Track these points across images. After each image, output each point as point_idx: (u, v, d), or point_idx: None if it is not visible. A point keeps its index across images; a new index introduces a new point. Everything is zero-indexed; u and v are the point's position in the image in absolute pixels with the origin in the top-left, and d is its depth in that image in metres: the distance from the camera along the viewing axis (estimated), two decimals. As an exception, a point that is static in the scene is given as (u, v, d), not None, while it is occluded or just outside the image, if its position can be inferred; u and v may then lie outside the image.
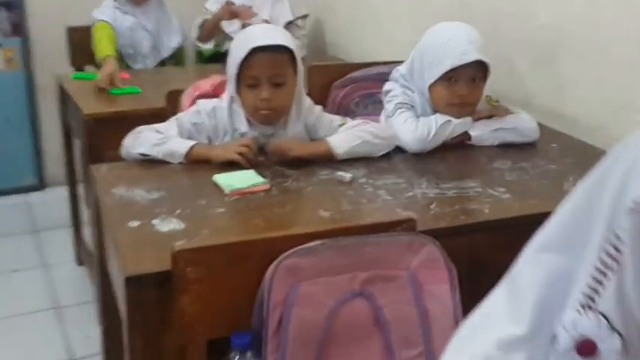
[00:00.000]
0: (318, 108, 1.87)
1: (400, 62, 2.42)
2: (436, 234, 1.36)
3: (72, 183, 2.88)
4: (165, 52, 3.12)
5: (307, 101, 1.85)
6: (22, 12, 3.33)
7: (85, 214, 2.88)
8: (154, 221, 1.37)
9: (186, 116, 1.79)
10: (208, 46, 3.15)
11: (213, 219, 1.41)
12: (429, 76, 1.87)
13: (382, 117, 2.02)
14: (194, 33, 3.12)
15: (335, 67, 2.48)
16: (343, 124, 1.83)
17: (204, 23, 3.07)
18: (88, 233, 2.84)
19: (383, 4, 2.95)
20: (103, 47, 2.79)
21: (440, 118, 1.84)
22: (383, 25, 2.97)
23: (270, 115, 1.74)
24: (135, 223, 1.36)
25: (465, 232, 1.42)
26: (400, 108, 1.92)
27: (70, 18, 3.23)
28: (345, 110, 2.30)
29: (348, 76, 2.40)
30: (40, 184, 3.60)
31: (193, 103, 1.95)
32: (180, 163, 1.67)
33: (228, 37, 3.09)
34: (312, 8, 3.23)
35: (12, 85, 3.40)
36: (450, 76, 1.84)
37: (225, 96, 1.80)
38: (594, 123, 1.95)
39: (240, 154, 1.66)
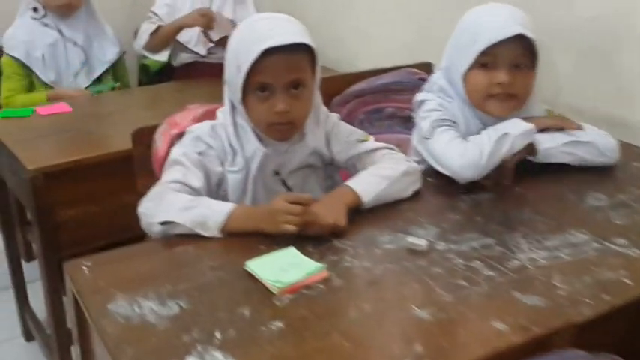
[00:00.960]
0: (335, 116, 1.51)
1: (404, 67, 2.07)
2: (582, 330, 0.99)
3: (9, 232, 2.32)
4: (100, 67, 2.58)
5: (323, 107, 1.48)
6: None
7: (27, 269, 2.35)
8: (190, 360, 0.93)
9: (187, 150, 1.39)
10: (159, 58, 2.64)
11: (272, 344, 0.96)
12: (462, 63, 1.50)
13: (415, 138, 1.63)
14: (142, 41, 2.59)
15: (330, 80, 2.05)
16: (365, 140, 1.48)
17: (157, 30, 2.54)
18: (34, 296, 2.32)
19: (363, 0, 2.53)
20: (33, 97, 2.39)
21: (493, 132, 1.46)
22: (364, 24, 2.56)
23: (288, 130, 1.37)
24: (162, 370, 0.91)
25: (609, 319, 1.05)
26: (440, 126, 1.54)
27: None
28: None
29: (349, 90, 2.01)
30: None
31: (172, 143, 1.51)
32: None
33: (183, 48, 2.61)
34: (277, 8, 2.77)
35: None
36: (487, 61, 1.47)
37: (224, 109, 1.41)
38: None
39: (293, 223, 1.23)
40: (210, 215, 1.24)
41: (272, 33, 1.30)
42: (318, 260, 1.17)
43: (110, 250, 1.23)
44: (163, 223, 1.25)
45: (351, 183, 1.36)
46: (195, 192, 1.33)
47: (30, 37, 2.44)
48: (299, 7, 2.84)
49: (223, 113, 1.42)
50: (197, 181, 1.35)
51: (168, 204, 1.27)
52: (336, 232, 1.25)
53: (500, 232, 1.27)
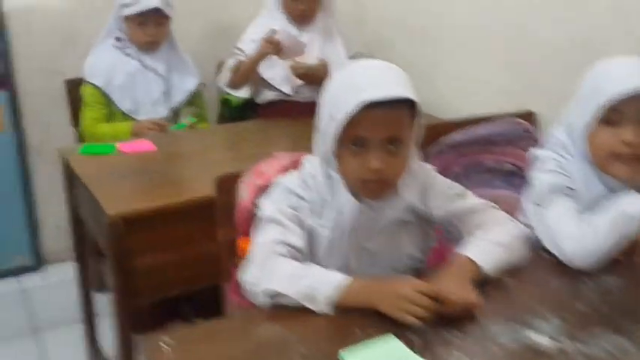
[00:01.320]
0: (430, 167, 1.39)
1: (505, 116, 1.91)
2: None
3: (83, 265, 2.27)
4: (179, 96, 2.53)
5: (418, 158, 1.37)
6: (8, 60, 2.70)
7: (99, 303, 2.29)
8: None
9: (280, 205, 1.29)
10: (240, 95, 2.56)
11: None
12: (584, 118, 1.34)
13: (526, 199, 1.47)
14: (224, 77, 2.53)
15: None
16: (464, 195, 1.36)
17: (239, 65, 2.47)
18: (104, 329, 2.25)
19: (460, 38, 2.39)
20: (115, 127, 2.39)
21: (613, 213, 1.28)
22: (459, 65, 2.41)
23: (380, 189, 1.26)
24: None
25: None
26: (555, 193, 1.37)
27: (64, 63, 2.68)
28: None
29: (444, 140, 1.86)
30: (37, 264, 2.98)
31: (257, 194, 1.42)
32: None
33: (268, 85, 2.52)
34: (365, 45, 2.67)
35: (2, 150, 2.76)
36: (613, 118, 1.31)
37: (313, 159, 1.31)
38: None
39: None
40: (320, 287, 1.14)
41: (372, 84, 1.20)
42: (422, 354, 1.03)
43: (191, 326, 1.11)
44: (269, 293, 1.16)
45: (469, 252, 1.24)
46: (298, 251, 1.24)
47: (110, 65, 2.43)
48: (387, 44, 2.73)
49: (313, 163, 1.32)
50: (298, 238, 1.26)
51: (273, 271, 1.18)
52: (470, 311, 1.12)
53: (635, 330, 1.09)
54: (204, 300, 2.09)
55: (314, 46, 2.46)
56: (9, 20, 2.67)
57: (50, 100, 2.71)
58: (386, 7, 2.72)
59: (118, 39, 2.45)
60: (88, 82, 2.43)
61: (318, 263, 1.25)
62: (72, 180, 2.02)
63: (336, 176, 1.27)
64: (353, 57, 2.53)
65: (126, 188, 1.83)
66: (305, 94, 2.46)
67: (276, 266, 1.19)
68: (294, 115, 2.40)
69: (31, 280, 2.90)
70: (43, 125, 2.80)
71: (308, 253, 1.27)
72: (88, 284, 2.30)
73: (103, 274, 2.50)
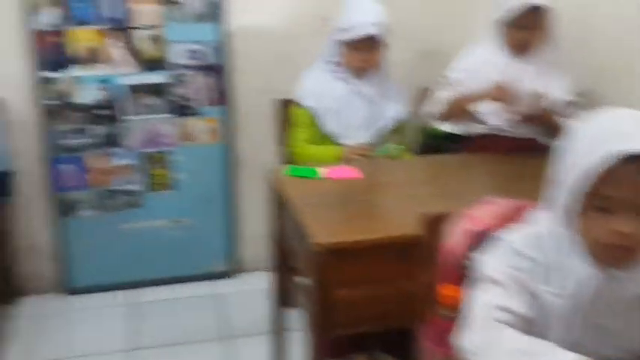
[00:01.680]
0: None
1: None
2: None
3: (277, 277, 2.30)
4: (384, 123, 2.51)
5: None
6: (227, 77, 2.87)
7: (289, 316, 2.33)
8: None
9: (506, 267, 1.17)
10: (446, 129, 2.47)
11: None
12: None
13: None
14: (434, 108, 2.45)
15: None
16: None
17: (455, 100, 2.37)
18: (292, 344, 2.30)
19: None
20: (325, 150, 2.42)
21: None
22: None
23: (625, 256, 1.09)
24: None
25: None
26: None
27: (276, 83, 2.79)
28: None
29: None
30: (232, 270, 3.13)
31: (472, 242, 1.33)
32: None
33: (476, 117, 2.39)
34: (591, 78, 2.43)
35: (214, 160, 2.96)
36: None
37: (547, 215, 1.16)
38: None
39: None
40: None
41: (633, 134, 1.04)
42: None
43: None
44: None
45: None
46: (521, 320, 1.13)
47: (321, 88, 2.47)
48: (617, 79, 2.45)
49: (544, 220, 1.17)
50: (522, 306, 1.13)
51: (498, 343, 1.08)
52: None
53: None
54: (390, 336, 2.03)
55: (530, 79, 2.29)
56: (233, 39, 2.83)
57: (261, 118, 2.82)
58: (617, 34, 2.41)
59: (331, 62, 2.49)
60: (300, 103, 2.49)
61: (540, 335, 1.12)
62: (276, 199, 2.06)
63: (573, 238, 1.12)
64: (579, 94, 2.33)
65: (331, 216, 1.82)
66: (517, 130, 2.31)
67: (501, 338, 1.08)
68: (501, 150, 2.26)
69: (225, 286, 3.04)
70: (252, 141, 2.95)
71: (531, 323, 1.14)
72: (280, 298, 2.34)
73: (292, 292, 2.55)
